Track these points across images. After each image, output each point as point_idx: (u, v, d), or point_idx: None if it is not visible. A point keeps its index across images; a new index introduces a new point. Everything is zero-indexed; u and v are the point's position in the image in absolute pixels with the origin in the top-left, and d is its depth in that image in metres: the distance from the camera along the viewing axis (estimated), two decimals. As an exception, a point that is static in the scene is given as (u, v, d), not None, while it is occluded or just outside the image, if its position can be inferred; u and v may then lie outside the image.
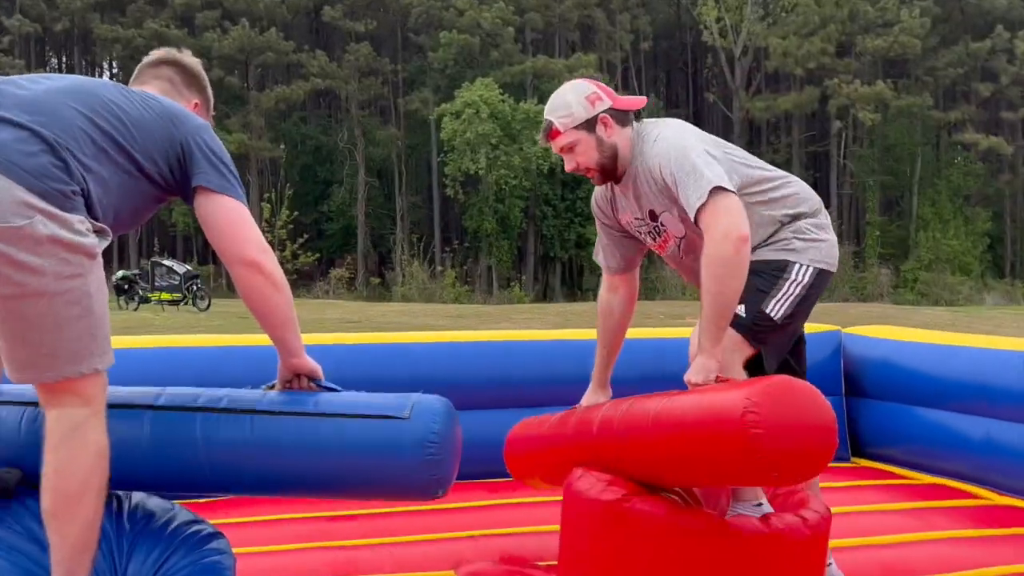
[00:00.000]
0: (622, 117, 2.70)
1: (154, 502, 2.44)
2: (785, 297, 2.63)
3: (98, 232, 2.14)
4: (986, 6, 41.65)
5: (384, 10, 42.83)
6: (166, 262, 29.91)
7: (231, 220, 2.22)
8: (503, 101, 38.69)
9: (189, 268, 29.41)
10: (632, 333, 3.26)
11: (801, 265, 2.66)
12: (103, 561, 2.23)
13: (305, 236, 38.65)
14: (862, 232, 42.33)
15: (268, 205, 38.30)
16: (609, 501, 2.49)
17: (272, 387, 2.38)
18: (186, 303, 26.52)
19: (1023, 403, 4.10)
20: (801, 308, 2.69)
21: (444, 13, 41.53)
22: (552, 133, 2.70)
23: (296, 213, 38.61)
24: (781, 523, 2.48)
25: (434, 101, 41.58)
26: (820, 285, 2.74)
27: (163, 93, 2.45)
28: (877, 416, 5.00)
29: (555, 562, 2.90)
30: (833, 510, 2.71)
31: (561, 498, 2.81)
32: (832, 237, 2.84)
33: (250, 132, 41.36)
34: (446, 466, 2.21)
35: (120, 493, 2.38)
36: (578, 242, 40.21)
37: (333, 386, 2.40)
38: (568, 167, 2.81)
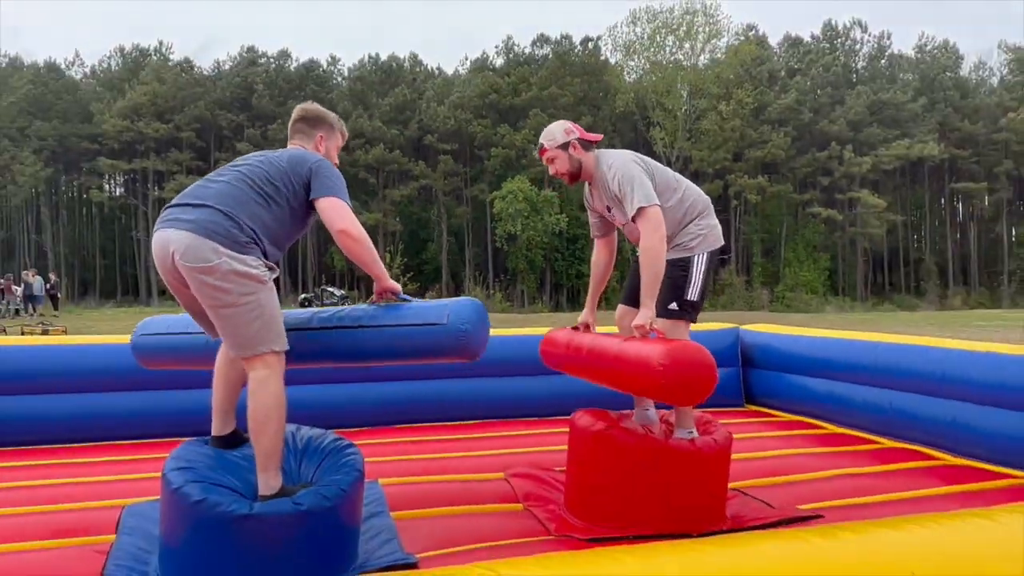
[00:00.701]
0: (586, 145, 3.18)
1: (312, 431, 2.89)
2: (694, 283, 3.06)
3: (268, 268, 2.58)
4: (825, 130, 45.46)
5: (460, 135, 46.02)
6: (329, 288, 31.05)
7: (331, 207, 2.62)
8: (531, 189, 41.14)
9: (343, 292, 30.96)
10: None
11: (697, 256, 3.07)
12: (288, 463, 2.68)
13: (410, 274, 41.09)
14: (751, 268, 45.78)
15: (388, 255, 41.08)
16: (597, 431, 3.04)
17: (372, 301, 2.81)
18: None
19: (848, 370, 4.85)
20: (706, 281, 3.11)
21: (494, 136, 45.44)
22: (542, 150, 3.20)
23: (405, 259, 41.74)
24: (701, 443, 3.01)
25: (488, 190, 44.64)
26: (713, 260, 3.14)
27: (300, 136, 2.87)
28: (761, 379, 5.73)
29: (564, 468, 3.39)
30: (735, 435, 3.27)
31: (567, 429, 3.34)
32: (716, 225, 3.23)
33: (382, 213, 44.67)
34: (474, 343, 2.59)
35: (293, 427, 2.81)
36: (578, 275, 42.58)
37: (407, 297, 2.80)
38: (550, 172, 3.23)
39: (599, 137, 3.27)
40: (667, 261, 2.98)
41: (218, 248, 2.44)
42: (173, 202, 2.64)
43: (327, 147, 2.89)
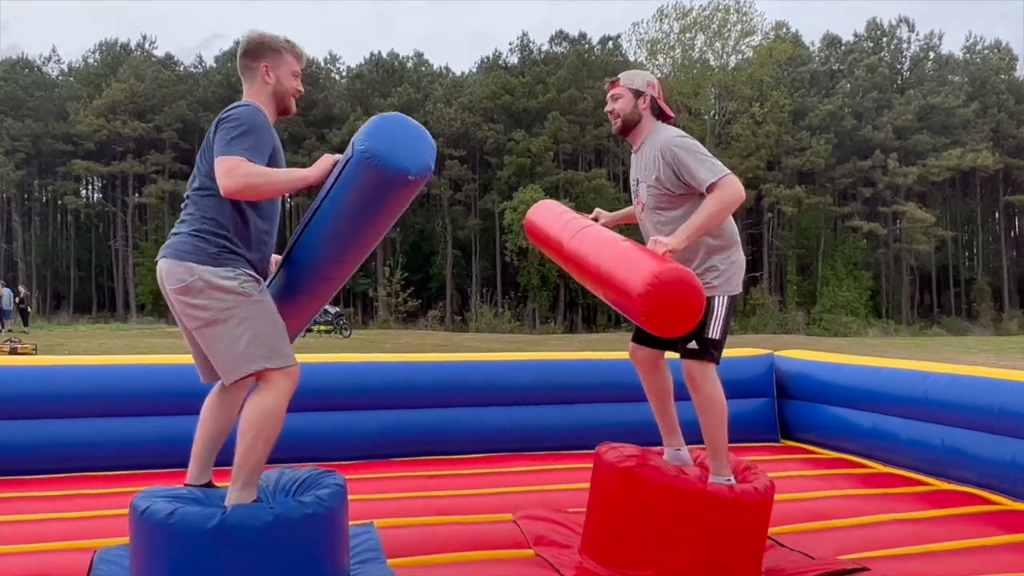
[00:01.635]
0: (656, 109, 3.22)
1: (292, 470, 2.91)
2: (715, 322, 3.03)
3: (253, 278, 2.61)
4: (868, 136, 46.05)
5: (469, 138, 47.16)
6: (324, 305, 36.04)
7: (218, 170, 2.46)
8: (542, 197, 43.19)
9: (338, 309, 32.57)
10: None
11: (718, 299, 3.04)
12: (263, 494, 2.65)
13: (412, 289, 42.79)
14: (785, 287, 45.99)
15: (387, 269, 43.13)
16: (626, 467, 3.03)
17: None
18: (333, 332, 29.34)
19: (896, 402, 4.82)
20: (727, 322, 3.09)
21: (508, 143, 46.28)
22: (614, 82, 3.25)
23: (407, 274, 42.96)
24: (740, 490, 2.97)
25: (499, 200, 45.18)
26: (732, 303, 3.14)
27: (246, 76, 2.78)
28: (798, 411, 5.67)
29: (583, 509, 3.30)
30: (770, 474, 3.18)
31: (582, 465, 3.60)
32: (741, 262, 3.21)
33: None
34: (387, 161, 2.33)
35: (275, 472, 2.85)
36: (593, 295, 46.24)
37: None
38: (607, 108, 3.27)
39: (672, 115, 3.27)
40: None
41: (191, 267, 2.51)
42: None
43: (276, 76, 2.77)
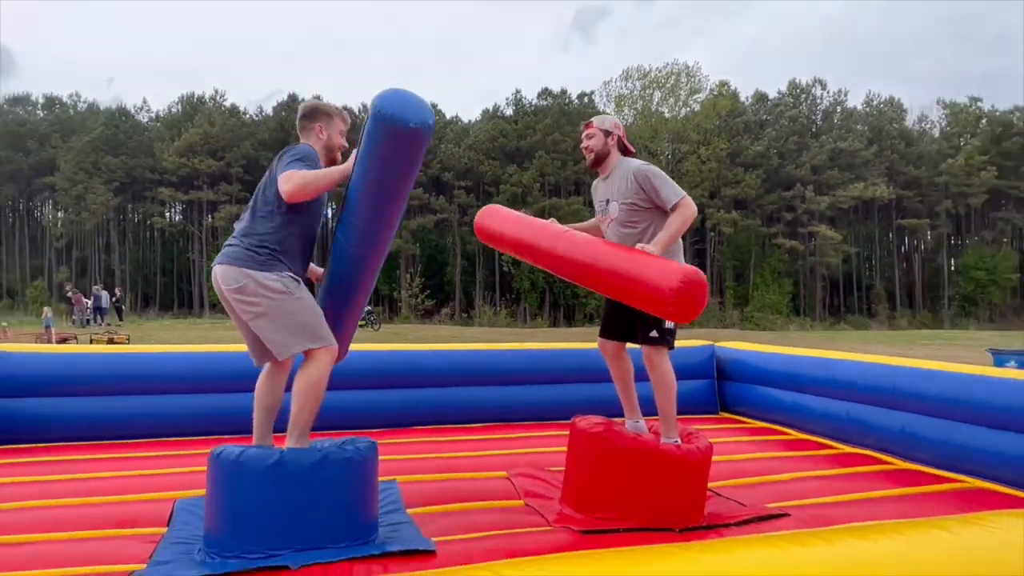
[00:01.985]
0: (621, 145, 3.18)
1: (335, 440, 2.63)
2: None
3: (293, 279, 2.60)
4: (790, 172, 45.71)
5: (474, 172, 46.42)
6: None
7: (281, 180, 2.48)
8: None
9: (370, 308, 28.71)
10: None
11: None
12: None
13: (428, 292, 42.02)
14: (724, 291, 45.25)
15: (409, 276, 42.76)
16: (595, 432, 3.01)
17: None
18: (366, 326, 25.70)
19: (811, 383, 4.78)
20: None
21: (503, 175, 45.75)
22: (588, 124, 3.19)
23: (424, 280, 42.36)
24: (686, 449, 2.94)
25: None
26: None
27: (304, 134, 2.77)
28: (733, 390, 5.60)
29: (562, 468, 3.27)
30: (710, 439, 3.12)
31: (562, 433, 3.35)
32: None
33: (402, 239, 43.88)
34: (397, 117, 2.28)
35: (316, 441, 2.64)
36: (573, 295, 42.69)
37: None
38: (583, 145, 3.19)
39: (633, 150, 3.26)
40: None
41: (244, 271, 2.54)
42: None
43: (328, 134, 2.80)
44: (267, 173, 2.70)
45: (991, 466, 3.58)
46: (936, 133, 52.60)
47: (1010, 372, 3.74)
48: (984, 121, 50.48)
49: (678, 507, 2.94)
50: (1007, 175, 47.26)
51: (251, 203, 2.71)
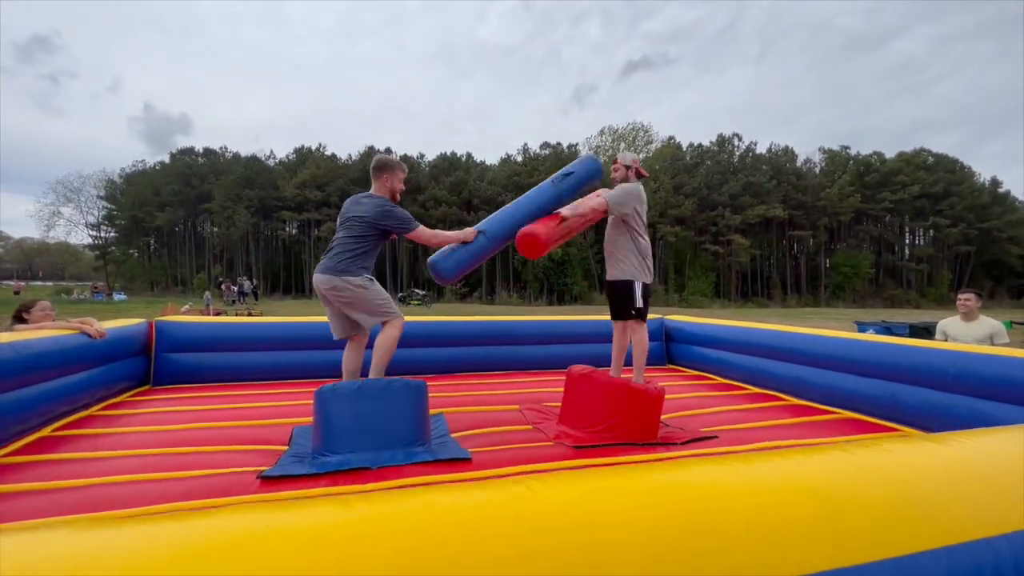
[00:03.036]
0: (638, 174, 2.96)
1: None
2: (637, 296, 2.80)
3: (368, 278, 2.57)
4: (714, 199, 44.28)
5: (493, 200, 42.46)
6: (416, 290, 31.65)
7: (416, 237, 2.56)
8: None
9: (424, 292, 30.84)
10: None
11: (637, 282, 2.80)
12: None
13: (463, 281, 40.66)
14: (668, 282, 43.54)
15: None
16: (585, 374, 3.02)
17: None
18: (422, 306, 26.51)
19: (731, 343, 4.59)
20: (646, 296, 2.84)
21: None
22: (615, 161, 2.94)
23: None
24: (648, 388, 2.81)
25: None
26: (648, 287, 2.86)
27: (375, 179, 2.65)
28: (676, 349, 5.37)
29: (558, 404, 3.16)
30: (661, 384, 3.10)
31: (560, 379, 3.48)
32: (649, 266, 2.84)
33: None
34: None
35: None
36: (564, 284, 40.33)
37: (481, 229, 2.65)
38: (612, 176, 2.94)
39: (647, 175, 3.09)
40: (616, 280, 2.88)
41: (339, 276, 2.55)
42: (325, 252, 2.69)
43: (392, 183, 2.73)
44: (352, 202, 2.66)
45: (857, 402, 3.47)
46: (817, 171, 51.25)
47: (869, 336, 3.61)
48: (852, 162, 49.40)
49: (641, 427, 2.84)
50: (867, 200, 46.37)
51: (343, 224, 2.64)
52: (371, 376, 2.55)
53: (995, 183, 48.81)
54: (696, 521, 0.89)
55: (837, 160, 50.03)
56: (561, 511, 0.89)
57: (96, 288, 33.27)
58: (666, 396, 3.15)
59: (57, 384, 2.85)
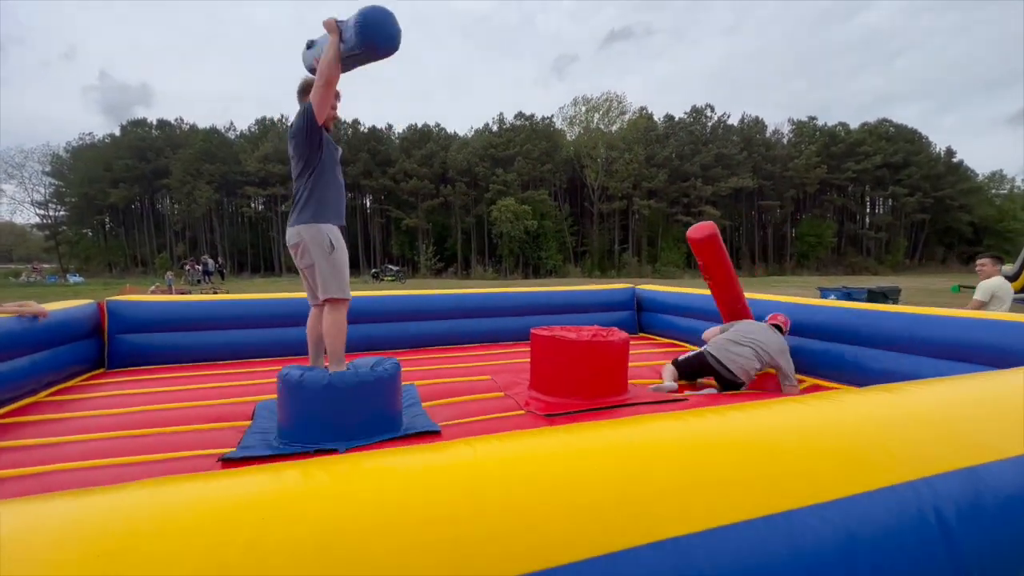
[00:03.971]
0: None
1: (372, 360, 2.50)
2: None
3: (339, 228, 2.31)
4: (686, 170, 44.43)
5: (470, 171, 43.15)
6: (389, 265, 31.96)
7: (318, 99, 2.15)
8: (515, 206, 39.20)
9: (398, 268, 31.25)
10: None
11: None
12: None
13: (438, 256, 41.39)
14: (641, 252, 43.63)
15: (424, 246, 41.88)
16: (547, 336, 2.93)
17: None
18: (396, 281, 26.89)
19: (699, 312, 4.60)
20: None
21: (491, 175, 42.26)
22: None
23: (434, 246, 41.78)
24: (615, 338, 2.87)
25: (487, 207, 41.86)
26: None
27: (300, 104, 2.33)
28: (647, 318, 5.23)
29: (527, 373, 3.17)
30: (630, 344, 3.32)
31: (528, 350, 3.32)
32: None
33: (417, 218, 42.64)
34: (370, 29, 1.95)
35: (358, 361, 2.51)
36: (538, 257, 40.73)
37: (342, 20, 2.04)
38: None
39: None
40: None
41: (300, 229, 2.31)
42: None
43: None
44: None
45: (823, 368, 3.49)
46: (786, 142, 51.74)
47: (831, 302, 3.66)
48: (818, 133, 49.79)
49: (608, 384, 2.82)
50: (832, 171, 46.98)
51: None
52: (331, 368, 2.38)
53: (950, 153, 50.38)
54: (638, 473, 0.90)
55: (805, 131, 50.54)
56: (501, 468, 0.88)
57: (35, 269, 31.35)
58: (636, 363, 3.18)
59: (-6, 370, 2.71)
